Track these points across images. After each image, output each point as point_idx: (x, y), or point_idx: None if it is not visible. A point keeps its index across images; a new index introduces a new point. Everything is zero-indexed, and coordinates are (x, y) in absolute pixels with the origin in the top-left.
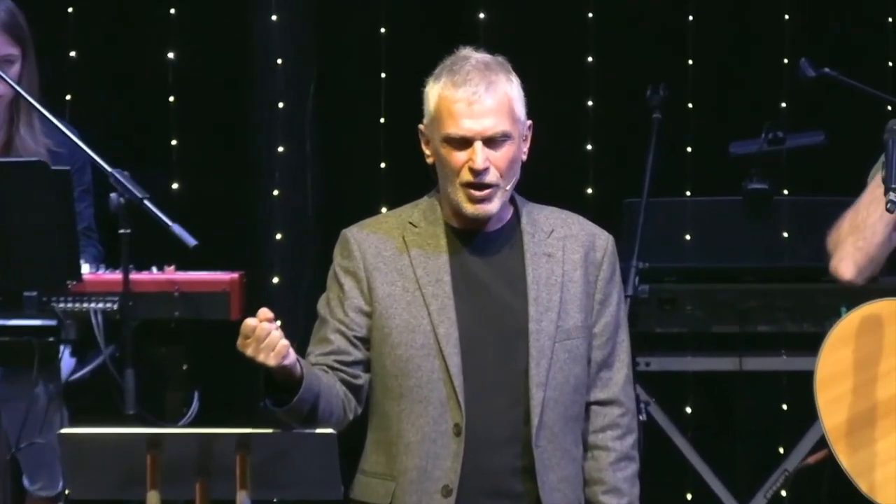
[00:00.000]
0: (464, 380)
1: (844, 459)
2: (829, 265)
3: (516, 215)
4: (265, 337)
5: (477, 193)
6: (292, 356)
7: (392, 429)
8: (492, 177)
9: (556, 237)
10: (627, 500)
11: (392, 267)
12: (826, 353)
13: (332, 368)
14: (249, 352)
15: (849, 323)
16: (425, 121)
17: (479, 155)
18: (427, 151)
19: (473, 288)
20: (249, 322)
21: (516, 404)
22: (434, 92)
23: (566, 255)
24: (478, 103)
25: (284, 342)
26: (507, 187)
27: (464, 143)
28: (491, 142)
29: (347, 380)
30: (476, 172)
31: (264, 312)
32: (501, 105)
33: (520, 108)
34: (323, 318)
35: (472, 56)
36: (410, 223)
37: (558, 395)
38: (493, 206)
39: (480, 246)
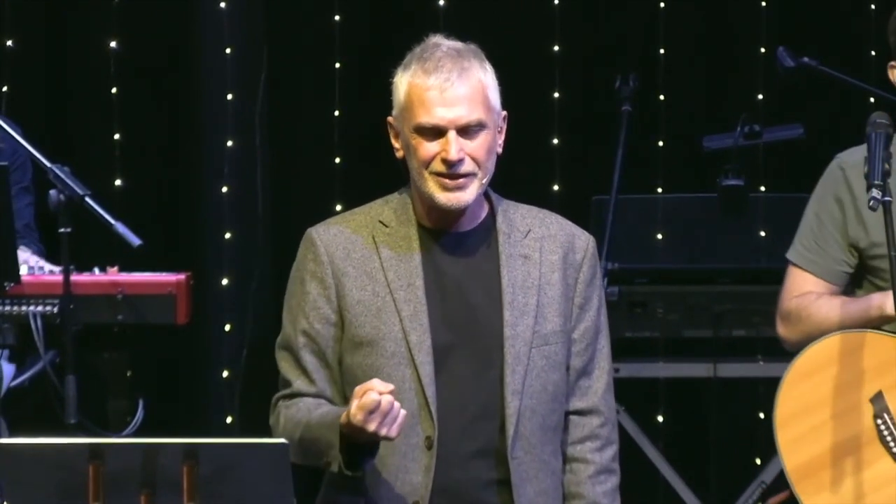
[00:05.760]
0: (436, 389)
1: (806, 502)
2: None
3: (491, 214)
4: (389, 410)
5: (450, 182)
6: None
7: None
8: (467, 167)
9: (534, 237)
10: None
11: (362, 270)
12: (786, 389)
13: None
14: (373, 427)
15: (809, 357)
16: (394, 112)
17: (453, 145)
18: (396, 145)
19: (447, 292)
20: (373, 397)
21: (491, 414)
22: (403, 81)
23: (543, 256)
24: (450, 90)
25: (404, 411)
26: (484, 179)
27: (436, 132)
28: (465, 131)
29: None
30: (449, 164)
31: (382, 384)
32: (475, 92)
33: (494, 97)
34: (288, 341)
35: (444, 43)
36: (381, 222)
37: (535, 403)
38: (467, 195)
39: (454, 247)
